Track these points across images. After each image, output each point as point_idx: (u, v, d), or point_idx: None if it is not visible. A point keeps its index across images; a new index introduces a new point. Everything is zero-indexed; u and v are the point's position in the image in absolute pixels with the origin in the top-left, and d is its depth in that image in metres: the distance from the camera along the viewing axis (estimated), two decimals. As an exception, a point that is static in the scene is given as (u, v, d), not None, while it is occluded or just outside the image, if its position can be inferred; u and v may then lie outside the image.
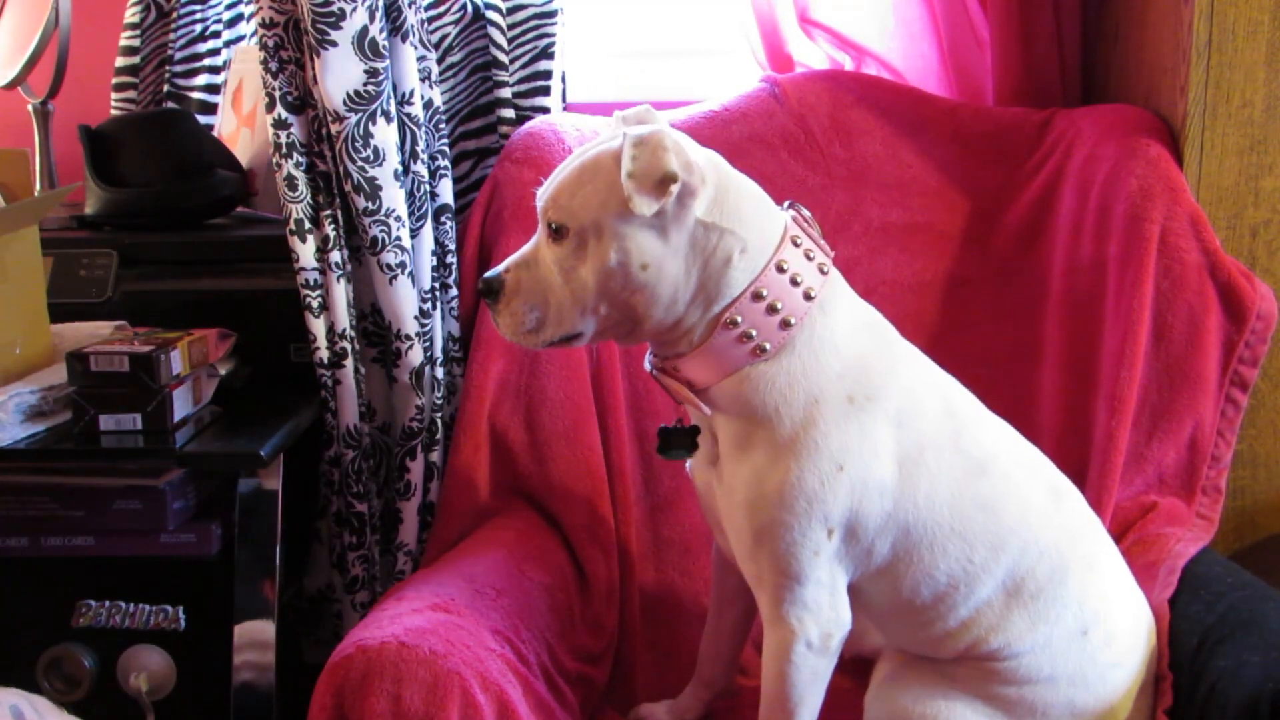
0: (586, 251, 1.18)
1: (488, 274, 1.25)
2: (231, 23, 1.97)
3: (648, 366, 1.29)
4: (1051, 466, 1.33)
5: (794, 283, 1.19)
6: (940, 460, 1.22)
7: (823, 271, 1.22)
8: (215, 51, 1.94)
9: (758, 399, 1.19)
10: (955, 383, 1.30)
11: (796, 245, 1.21)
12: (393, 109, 1.53)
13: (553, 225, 1.20)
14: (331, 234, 1.54)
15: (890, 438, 1.20)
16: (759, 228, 1.20)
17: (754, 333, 1.18)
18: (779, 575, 1.20)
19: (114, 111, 1.93)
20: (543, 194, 1.23)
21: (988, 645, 1.25)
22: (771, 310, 1.18)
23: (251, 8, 1.93)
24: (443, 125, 1.65)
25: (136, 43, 1.92)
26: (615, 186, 1.15)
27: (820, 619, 1.21)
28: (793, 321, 1.19)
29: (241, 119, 1.86)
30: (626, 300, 1.19)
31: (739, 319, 1.18)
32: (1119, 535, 1.46)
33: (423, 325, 1.58)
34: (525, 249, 1.24)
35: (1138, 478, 1.54)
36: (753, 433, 1.20)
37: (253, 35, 1.95)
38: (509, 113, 1.80)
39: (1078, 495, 1.34)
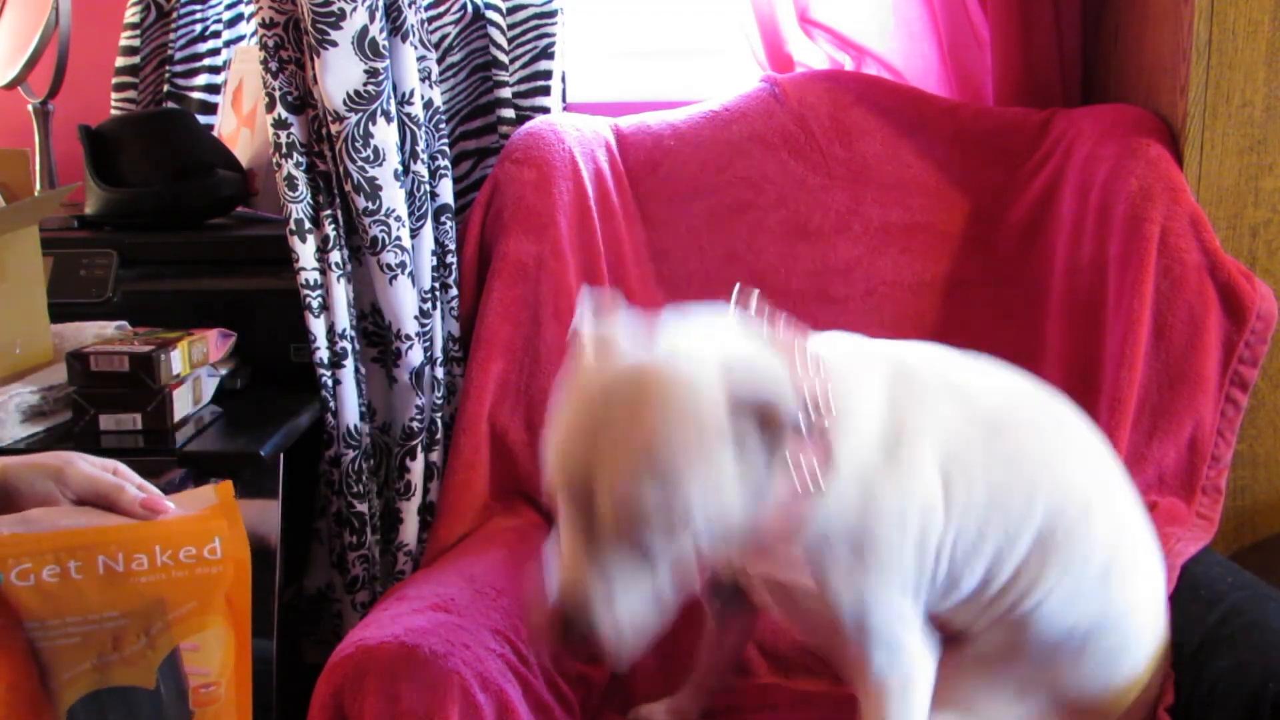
0: (678, 542, 1.01)
1: (570, 624, 1.00)
2: (231, 23, 1.97)
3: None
4: (1046, 393, 1.29)
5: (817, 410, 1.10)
6: (967, 447, 1.19)
7: (821, 374, 1.10)
8: (215, 51, 1.94)
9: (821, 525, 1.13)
10: (938, 349, 1.27)
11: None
12: (393, 109, 1.53)
13: (630, 540, 1.00)
14: (331, 234, 1.54)
15: (930, 458, 1.17)
16: None
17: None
18: (871, 649, 1.17)
19: (114, 111, 1.93)
20: (608, 498, 0.99)
21: (1022, 609, 1.21)
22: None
23: (251, 8, 1.93)
24: (443, 125, 1.65)
25: (136, 43, 1.92)
26: (705, 432, 0.99)
27: (915, 669, 1.19)
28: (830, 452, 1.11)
29: (241, 119, 1.86)
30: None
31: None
32: (1119, 535, 1.46)
33: (423, 325, 1.58)
34: (585, 576, 1.01)
35: (1138, 477, 1.53)
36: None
37: (253, 35, 1.95)
38: (509, 113, 1.79)
39: (1080, 421, 1.30)
